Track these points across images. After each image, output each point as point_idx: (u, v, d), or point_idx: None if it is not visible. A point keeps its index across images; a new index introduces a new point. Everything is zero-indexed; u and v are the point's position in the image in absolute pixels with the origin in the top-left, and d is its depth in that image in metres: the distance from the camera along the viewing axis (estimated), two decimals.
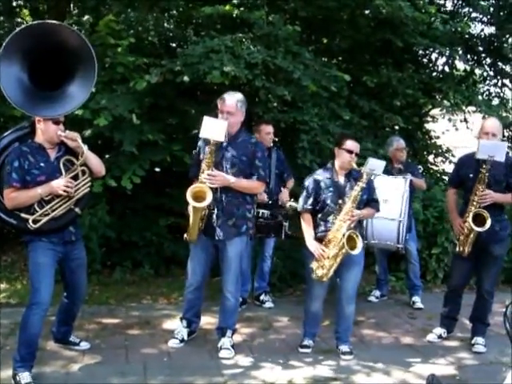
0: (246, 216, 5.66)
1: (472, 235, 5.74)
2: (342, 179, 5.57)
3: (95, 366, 5.36)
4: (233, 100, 5.57)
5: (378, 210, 5.74)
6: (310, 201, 5.62)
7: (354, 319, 6.00)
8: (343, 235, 5.34)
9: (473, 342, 5.98)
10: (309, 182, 5.69)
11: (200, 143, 5.71)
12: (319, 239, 5.55)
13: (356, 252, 5.35)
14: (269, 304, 7.28)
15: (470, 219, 5.65)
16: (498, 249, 5.86)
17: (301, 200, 5.72)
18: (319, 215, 5.61)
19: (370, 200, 5.64)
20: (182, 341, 5.80)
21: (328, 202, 5.54)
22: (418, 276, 7.60)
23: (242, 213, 5.60)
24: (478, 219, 5.63)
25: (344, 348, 5.69)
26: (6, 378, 4.92)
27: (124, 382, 5.04)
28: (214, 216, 5.50)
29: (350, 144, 5.55)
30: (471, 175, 5.76)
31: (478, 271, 6.02)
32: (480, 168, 5.60)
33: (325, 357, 5.67)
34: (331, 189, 5.56)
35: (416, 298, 7.47)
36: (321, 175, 5.69)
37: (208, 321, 6.21)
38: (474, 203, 5.66)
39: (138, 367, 5.32)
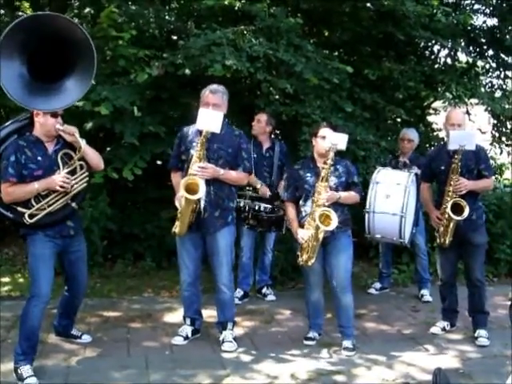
0: (230, 206, 5.70)
1: (451, 225, 5.79)
2: (328, 162, 5.47)
3: (96, 359, 5.37)
4: (219, 93, 5.60)
5: (360, 194, 5.74)
6: (290, 189, 5.77)
7: (356, 312, 5.99)
8: (316, 214, 5.35)
9: (476, 335, 5.97)
10: (288, 173, 5.99)
11: (179, 134, 5.76)
12: (302, 226, 5.58)
13: (331, 227, 5.32)
14: (271, 297, 7.28)
15: (448, 209, 5.71)
16: (477, 237, 5.93)
17: (283, 191, 5.92)
18: (301, 202, 5.68)
19: (350, 183, 5.67)
20: (186, 338, 5.78)
21: (306, 186, 5.62)
22: (426, 269, 7.60)
23: (226, 204, 5.63)
24: (456, 209, 5.70)
25: (346, 343, 5.66)
26: (7, 371, 4.93)
27: (125, 375, 5.04)
28: (202, 209, 5.50)
29: (323, 131, 5.63)
30: (443, 167, 5.88)
31: (465, 262, 6.11)
32: (452, 159, 5.72)
33: (327, 350, 5.66)
34: (309, 174, 5.64)
35: (424, 291, 7.47)
36: (300, 164, 5.85)
37: (210, 314, 6.18)
38: (450, 193, 5.75)
39: (139, 360, 5.32)
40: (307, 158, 5.91)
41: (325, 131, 5.62)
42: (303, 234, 5.51)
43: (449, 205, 5.71)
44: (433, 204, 6.12)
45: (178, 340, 5.74)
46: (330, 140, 5.46)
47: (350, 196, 5.63)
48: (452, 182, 5.71)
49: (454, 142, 5.64)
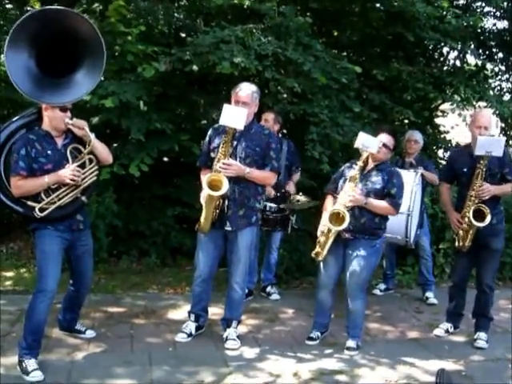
0: (256, 207, 5.66)
1: (472, 230, 5.73)
2: (358, 163, 5.47)
3: (100, 355, 5.37)
4: (249, 91, 5.56)
5: (394, 207, 5.52)
6: (334, 183, 5.73)
7: None
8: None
9: (475, 336, 5.96)
10: (341, 167, 5.85)
11: (210, 132, 5.71)
12: None
13: (341, 228, 5.30)
14: (275, 296, 7.27)
15: (470, 214, 5.63)
16: (496, 242, 5.86)
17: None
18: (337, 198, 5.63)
19: (386, 193, 5.52)
20: (189, 335, 5.77)
21: (342, 183, 5.59)
22: (430, 272, 7.57)
23: (252, 204, 5.60)
24: (477, 214, 5.62)
25: (349, 343, 5.66)
26: (11, 364, 4.93)
27: (128, 371, 5.03)
28: (225, 206, 5.47)
29: (380, 136, 5.60)
30: (465, 169, 5.78)
31: (478, 266, 6.01)
32: (477, 163, 5.61)
33: (331, 350, 5.66)
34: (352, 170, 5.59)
35: (429, 294, 7.42)
36: (352, 162, 5.76)
37: (214, 311, 6.18)
38: (473, 198, 5.65)
39: (142, 357, 5.32)
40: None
41: (381, 137, 5.59)
42: (321, 227, 5.56)
43: (471, 210, 5.63)
44: (452, 206, 6.06)
45: (181, 337, 5.73)
46: (361, 141, 5.42)
47: (379, 206, 5.48)
48: (475, 187, 5.62)
49: (481, 147, 5.49)
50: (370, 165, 5.57)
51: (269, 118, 6.99)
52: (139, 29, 7.29)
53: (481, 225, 5.60)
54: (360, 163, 5.42)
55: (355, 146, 5.50)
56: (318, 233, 5.58)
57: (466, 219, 5.69)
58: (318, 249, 5.54)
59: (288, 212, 6.92)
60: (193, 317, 5.84)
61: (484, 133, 5.67)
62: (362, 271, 5.55)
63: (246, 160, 5.49)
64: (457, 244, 5.91)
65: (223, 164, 5.33)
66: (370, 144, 5.41)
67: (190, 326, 5.81)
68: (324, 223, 5.50)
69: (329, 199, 5.75)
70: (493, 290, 6.00)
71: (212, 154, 5.57)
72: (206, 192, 5.29)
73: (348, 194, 5.37)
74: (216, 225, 5.54)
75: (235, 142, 5.47)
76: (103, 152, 5.14)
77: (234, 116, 5.27)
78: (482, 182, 5.61)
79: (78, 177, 4.90)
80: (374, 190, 5.51)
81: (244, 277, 5.76)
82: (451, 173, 6.09)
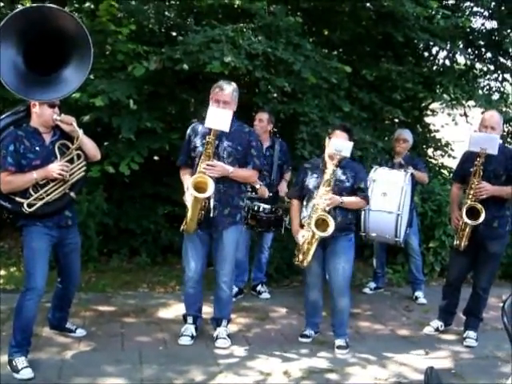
0: (240, 205, 5.69)
1: (468, 229, 5.72)
2: (330, 167, 5.46)
3: (90, 353, 5.37)
4: (229, 89, 5.54)
5: (365, 200, 5.64)
6: (297, 187, 5.75)
7: (351, 311, 5.99)
8: (313, 218, 5.36)
9: (465, 335, 5.99)
10: (299, 170, 5.87)
11: (189, 131, 5.71)
12: (303, 225, 5.59)
13: (326, 234, 5.31)
14: (265, 295, 7.28)
15: (463, 212, 5.64)
16: (494, 246, 5.82)
17: (292, 187, 5.87)
18: (304, 202, 5.66)
19: (356, 189, 5.58)
20: (192, 337, 5.71)
21: (310, 187, 5.59)
22: (420, 270, 7.57)
23: (236, 202, 5.62)
24: (474, 213, 5.61)
25: (338, 342, 5.67)
26: (2, 363, 4.93)
27: (119, 369, 5.04)
28: (211, 206, 5.46)
29: (337, 133, 5.59)
30: (471, 169, 5.71)
31: (475, 267, 6.00)
32: (474, 161, 5.60)
33: (321, 348, 5.68)
34: (315, 175, 5.61)
35: (419, 293, 7.43)
36: (311, 163, 5.81)
37: (204, 310, 6.13)
38: (470, 196, 5.64)
39: (133, 355, 5.33)
40: (319, 158, 5.81)
41: (337, 134, 5.59)
42: (301, 235, 5.54)
43: (464, 208, 5.64)
44: (457, 204, 6.03)
45: (185, 340, 5.66)
46: (333, 146, 5.43)
47: (354, 202, 5.56)
48: (473, 185, 5.62)
49: (474, 144, 5.53)
50: (329, 164, 5.51)
51: (263, 117, 7.00)
52: (130, 28, 7.29)
53: (471, 222, 5.60)
54: (333, 167, 5.40)
55: (328, 152, 5.52)
56: (300, 240, 5.57)
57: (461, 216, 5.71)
58: (301, 257, 5.55)
59: (281, 212, 6.92)
60: (190, 319, 5.78)
61: (490, 132, 5.65)
62: (345, 266, 5.60)
63: (229, 159, 5.50)
64: (455, 242, 5.92)
65: (207, 165, 5.34)
66: (343, 148, 5.41)
67: (191, 329, 5.74)
68: (303, 233, 5.53)
69: (295, 204, 5.78)
70: (487, 293, 6.00)
71: (192, 154, 5.58)
72: (191, 194, 5.28)
73: (324, 197, 5.38)
74: (202, 225, 5.54)
75: (217, 142, 5.45)
76: (91, 148, 5.16)
77: (219, 118, 5.26)
78: (480, 181, 5.60)
79: (66, 172, 4.91)
80: (345, 188, 5.55)
81: (231, 275, 5.76)
82: (461, 172, 6.07)
